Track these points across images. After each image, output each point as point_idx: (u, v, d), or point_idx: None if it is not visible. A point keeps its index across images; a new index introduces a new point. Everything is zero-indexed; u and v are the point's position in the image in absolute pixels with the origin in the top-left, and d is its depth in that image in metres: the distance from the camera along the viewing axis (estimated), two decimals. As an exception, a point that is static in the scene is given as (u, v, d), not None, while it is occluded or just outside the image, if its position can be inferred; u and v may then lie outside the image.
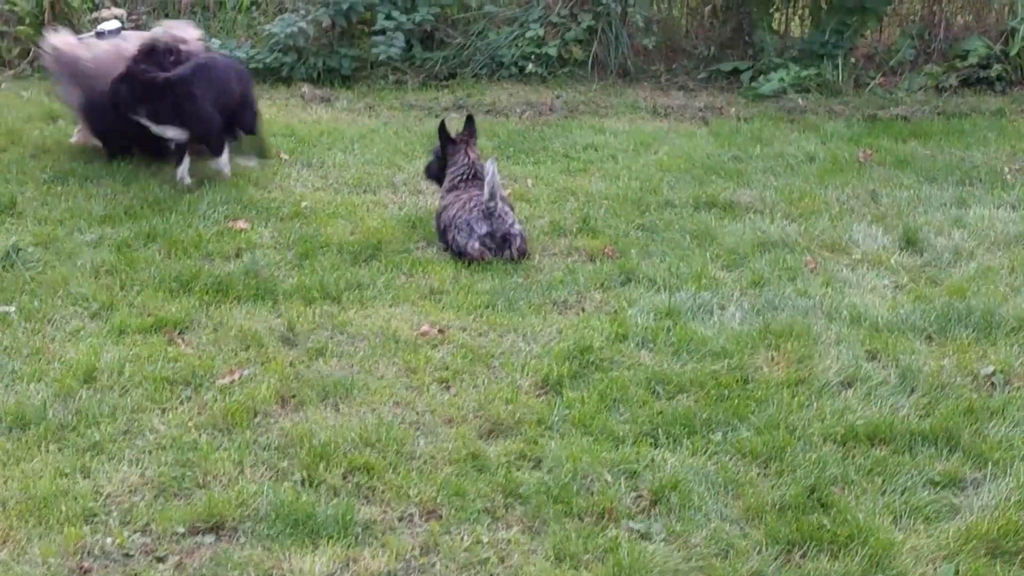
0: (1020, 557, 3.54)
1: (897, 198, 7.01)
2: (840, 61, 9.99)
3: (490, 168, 5.97)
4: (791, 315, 5.27)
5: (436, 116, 9.07)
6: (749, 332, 5.09)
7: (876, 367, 4.81)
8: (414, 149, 7.99)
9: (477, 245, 5.85)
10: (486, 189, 5.92)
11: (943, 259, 6.03)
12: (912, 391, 4.60)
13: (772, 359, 4.87)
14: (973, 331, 5.11)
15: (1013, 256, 6.04)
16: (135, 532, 3.63)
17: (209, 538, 3.61)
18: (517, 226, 5.98)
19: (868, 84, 9.99)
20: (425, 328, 5.06)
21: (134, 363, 4.67)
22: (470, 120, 6.53)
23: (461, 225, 5.93)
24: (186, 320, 5.09)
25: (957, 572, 3.43)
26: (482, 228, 5.88)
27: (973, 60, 10.08)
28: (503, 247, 5.91)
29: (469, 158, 6.33)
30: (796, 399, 4.50)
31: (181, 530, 3.63)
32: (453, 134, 6.47)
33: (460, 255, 5.90)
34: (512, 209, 6.12)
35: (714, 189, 7.13)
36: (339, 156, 7.78)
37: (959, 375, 4.74)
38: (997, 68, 9.99)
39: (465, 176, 6.28)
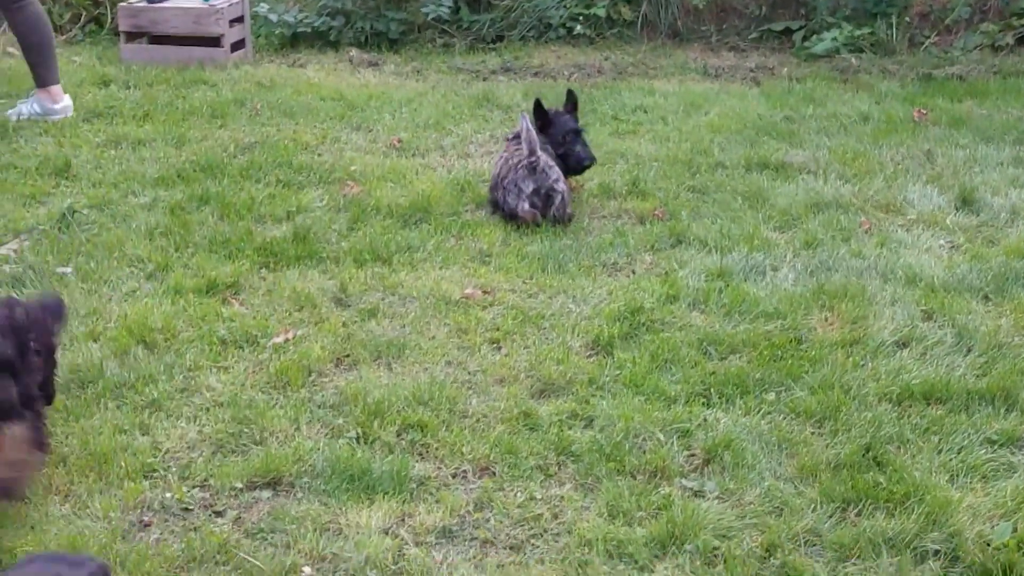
0: (1079, 516, 3.50)
1: (953, 158, 6.90)
2: (894, 20, 9.81)
3: (523, 124, 5.94)
4: (845, 276, 5.23)
5: (484, 79, 9.06)
6: (802, 293, 5.05)
7: (932, 327, 4.76)
8: (462, 112, 7.98)
9: (527, 206, 5.82)
10: (524, 146, 5.89)
11: (1000, 219, 5.94)
12: (968, 351, 4.55)
13: (826, 320, 4.83)
14: (1031, 291, 5.05)
15: (1072, 216, 5.93)
16: (194, 487, 3.68)
17: (267, 493, 3.66)
18: (561, 184, 5.93)
19: (923, 43, 9.82)
20: (470, 291, 5.07)
21: (190, 323, 4.73)
22: (569, 94, 6.47)
23: (510, 187, 5.90)
24: (240, 281, 5.14)
25: (1015, 530, 3.40)
26: (528, 186, 5.84)
27: (1030, 18, 9.87)
28: (548, 203, 5.86)
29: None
30: (851, 359, 4.47)
31: (239, 485, 3.67)
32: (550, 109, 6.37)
33: (512, 217, 5.88)
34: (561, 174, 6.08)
35: (766, 150, 7.06)
36: (388, 120, 7.79)
37: (1016, 334, 4.68)
38: (1055, 26, 9.79)
39: (511, 136, 6.28)
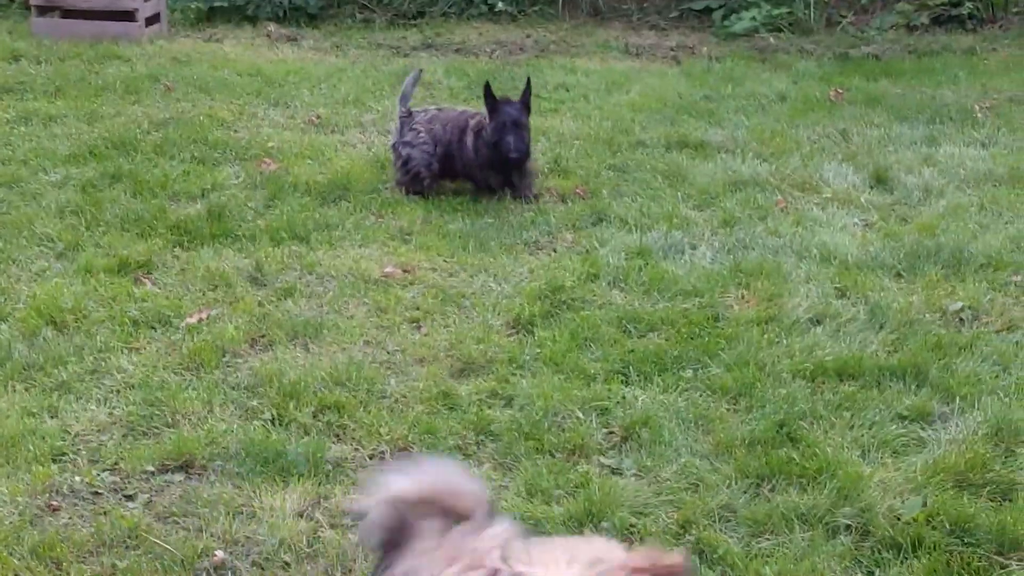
0: (986, 489, 3.57)
1: (868, 137, 7.00)
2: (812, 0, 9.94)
3: (410, 77, 6.15)
4: (761, 254, 5.28)
5: (405, 55, 8.98)
6: (720, 271, 5.09)
7: (845, 304, 4.82)
8: (382, 88, 7.90)
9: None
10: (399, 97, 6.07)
11: (913, 197, 6.04)
12: (881, 327, 4.61)
13: (742, 297, 4.87)
14: (942, 268, 5.13)
15: (982, 194, 6.05)
16: (104, 471, 3.60)
17: (178, 476, 3.59)
18: (407, 148, 5.97)
19: (839, 23, 9.95)
20: (389, 269, 5.03)
21: (100, 303, 4.63)
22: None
23: None
24: (153, 260, 5.04)
25: (924, 504, 3.46)
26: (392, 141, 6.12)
27: (945, -2, 10.06)
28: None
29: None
30: (766, 336, 4.51)
31: (150, 468, 3.60)
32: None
33: None
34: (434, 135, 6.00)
35: (685, 129, 7.10)
36: (306, 96, 7.69)
37: (928, 311, 4.76)
38: (968, 6, 9.98)
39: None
